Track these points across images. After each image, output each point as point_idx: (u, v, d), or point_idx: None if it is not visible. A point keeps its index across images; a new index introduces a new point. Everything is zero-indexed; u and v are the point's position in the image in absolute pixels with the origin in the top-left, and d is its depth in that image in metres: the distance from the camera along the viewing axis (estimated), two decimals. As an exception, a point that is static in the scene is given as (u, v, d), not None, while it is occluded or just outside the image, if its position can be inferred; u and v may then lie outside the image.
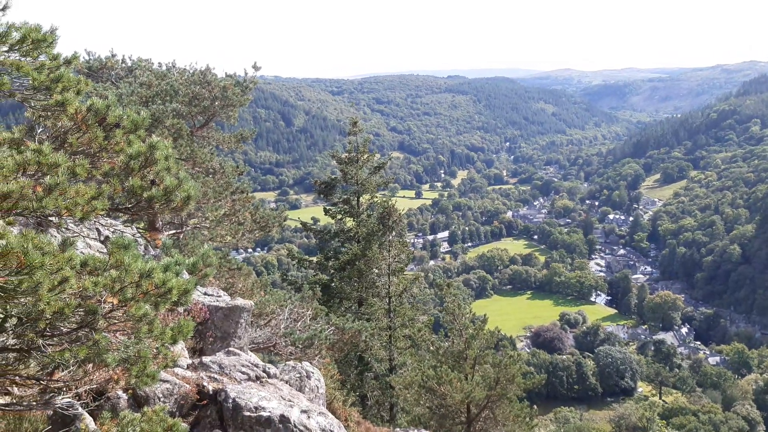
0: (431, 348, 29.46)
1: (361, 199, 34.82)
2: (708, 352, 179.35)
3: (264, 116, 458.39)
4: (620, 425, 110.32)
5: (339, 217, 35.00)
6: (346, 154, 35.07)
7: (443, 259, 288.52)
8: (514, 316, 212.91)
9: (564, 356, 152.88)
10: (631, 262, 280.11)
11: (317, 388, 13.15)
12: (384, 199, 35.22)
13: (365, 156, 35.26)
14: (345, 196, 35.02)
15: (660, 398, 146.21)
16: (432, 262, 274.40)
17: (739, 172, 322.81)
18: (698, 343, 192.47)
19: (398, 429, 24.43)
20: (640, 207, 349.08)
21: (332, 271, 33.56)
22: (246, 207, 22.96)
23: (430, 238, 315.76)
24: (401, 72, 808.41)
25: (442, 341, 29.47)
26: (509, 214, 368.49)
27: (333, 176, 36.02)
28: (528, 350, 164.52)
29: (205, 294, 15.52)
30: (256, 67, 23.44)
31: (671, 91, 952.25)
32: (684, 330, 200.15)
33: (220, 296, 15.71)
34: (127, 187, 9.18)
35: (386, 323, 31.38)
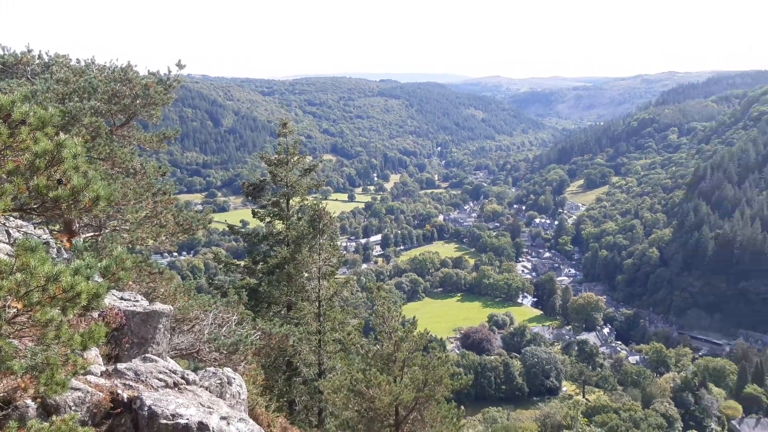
0: (361, 351, 29.36)
1: (291, 201, 34.39)
2: (628, 352, 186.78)
3: (191, 116, 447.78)
4: (546, 424, 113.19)
5: (268, 219, 34.46)
6: (276, 156, 34.52)
7: (376, 262, 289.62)
8: (444, 318, 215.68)
9: (492, 357, 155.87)
10: (556, 265, 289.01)
11: (239, 394, 12.84)
12: (315, 201, 34.89)
13: (296, 158, 34.85)
14: (274, 199, 34.50)
15: (583, 397, 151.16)
16: (365, 266, 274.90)
17: (657, 178, 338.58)
18: (619, 342, 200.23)
19: (326, 433, 24.24)
20: (565, 211, 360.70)
21: (261, 275, 33.00)
22: (168, 209, 22.20)
23: (363, 241, 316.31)
24: (334, 74, 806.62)
25: (372, 344, 29.40)
26: (441, 217, 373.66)
27: (262, 178, 35.44)
28: (458, 352, 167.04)
29: (122, 299, 14.93)
30: (180, 65, 22.77)
31: (595, 100, 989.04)
32: (606, 330, 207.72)
33: (137, 301, 15.14)
34: (32, 186, 8.69)
35: (316, 327, 31.07)
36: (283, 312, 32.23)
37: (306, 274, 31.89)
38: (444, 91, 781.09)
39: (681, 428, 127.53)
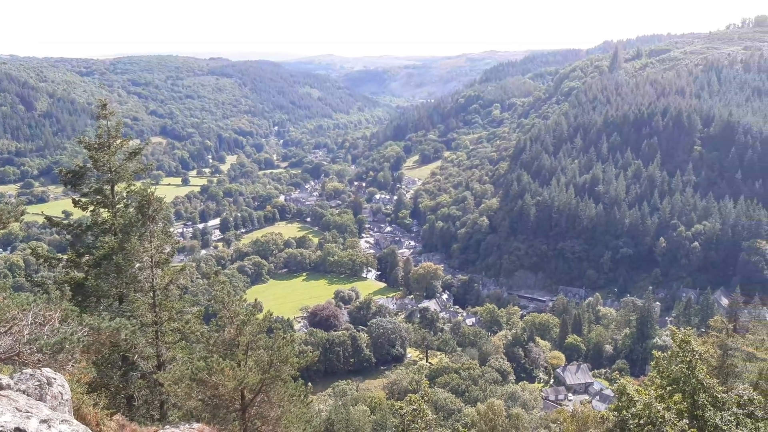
0: (202, 339, 28.49)
1: (116, 188, 32.13)
2: (465, 315, 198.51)
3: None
4: (393, 390, 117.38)
5: (92, 208, 31.97)
6: (97, 140, 32.00)
7: (216, 247, 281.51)
8: (291, 299, 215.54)
9: (340, 332, 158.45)
10: (397, 238, 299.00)
11: (61, 395, 11.96)
12: (143, 187, 32.88)
13: (118, 141, 32.47)
14: (97, 186, 32.01)
15: (427, 361, 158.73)
16: (204, 251, 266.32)
17: (484, 152, 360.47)
18: (457, 307, 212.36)
19: (168, 426, 23.36)
20: (403, 186, 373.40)
21: (87, 268, 30.70)
22: (-29, 202, 19.92)
23: (201, 226, 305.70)
24: (159, 53, 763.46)
25: (213, 331, 28.63)
26: (282, 198, 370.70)
27: (82, 164, 32.75)
28: (305, 330, 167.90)
29: None
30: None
31: (425, 78, 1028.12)
32: (445, 296, 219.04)
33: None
34: None
35: (151, 318, 29.55)
36: (114, 305, 30.33)
37: (138, 264, 30.14)
38: (278, 70, 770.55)
39: (514, 380, 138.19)
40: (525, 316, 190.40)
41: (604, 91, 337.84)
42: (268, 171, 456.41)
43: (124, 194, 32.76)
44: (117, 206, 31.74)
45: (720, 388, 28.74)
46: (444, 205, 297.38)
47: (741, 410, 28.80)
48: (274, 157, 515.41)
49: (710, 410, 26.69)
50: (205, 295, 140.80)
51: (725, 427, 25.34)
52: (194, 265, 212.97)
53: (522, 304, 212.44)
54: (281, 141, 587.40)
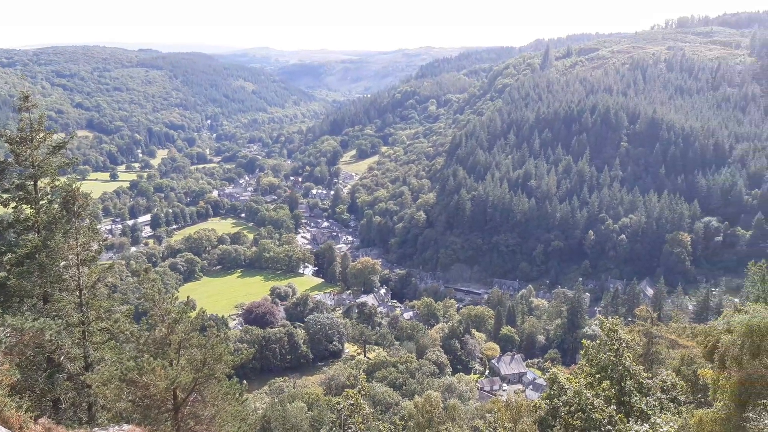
0: (132, 338, 27.68)
1: (39, 183, 30.78)
2: (403, 309, 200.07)
3: None
4: (330, 386, 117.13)
5: (14, 205, 30.54)
6: (18, 133, 30.58)
7: (146, 244, 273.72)
8: (225, 296, 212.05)
9: (276, 329, 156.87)
10: (335, 233, 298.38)
11: (-22, 400, 11.34)
12: (68, 182, 31.62)
13: (42, 135, 31.08)
14: (19, 181, 30.61)
15: (365, 356, 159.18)
16: (134, 249, 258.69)
17: (421, 147, 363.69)
18: (395, 301, 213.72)
19: (97, 428, 22.65)
20: (340, 181, 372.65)
21: (9, 267, 29.31)
22: None
23: (130, 222, 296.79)
24: (85, 43, 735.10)
25: (144, 330, 27.87)
26: (215, 193, 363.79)
27: (3, 159, 31.22)
28: (240, 327, 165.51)
29: None
30: None
31: (361, 72, 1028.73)
32: (383, 291, 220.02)
33: None
34: None
35: (78, 318, 28.48)
36: (38, 305, 29.09)
37: (63, 262, 28.99)
38: (211, 62, 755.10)
39: (450, 372, 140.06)
40: (461, 308, 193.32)
41: (536, 89, 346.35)
42: (201, 166, 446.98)
43: (48, 190, 31.47)
44: (40, 202, 30.45)
45: (645, 374, 29.93)
46: (381, 200, 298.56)
47: (665, 395, 30.08)
48: (207, 151, 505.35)
49: (636, 396, 27.76)
50: (135, 294, 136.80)
51: (650, 412, 26.40)
52: (123, 262, 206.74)
53: (458, 297, 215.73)
54: (214, 135, 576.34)
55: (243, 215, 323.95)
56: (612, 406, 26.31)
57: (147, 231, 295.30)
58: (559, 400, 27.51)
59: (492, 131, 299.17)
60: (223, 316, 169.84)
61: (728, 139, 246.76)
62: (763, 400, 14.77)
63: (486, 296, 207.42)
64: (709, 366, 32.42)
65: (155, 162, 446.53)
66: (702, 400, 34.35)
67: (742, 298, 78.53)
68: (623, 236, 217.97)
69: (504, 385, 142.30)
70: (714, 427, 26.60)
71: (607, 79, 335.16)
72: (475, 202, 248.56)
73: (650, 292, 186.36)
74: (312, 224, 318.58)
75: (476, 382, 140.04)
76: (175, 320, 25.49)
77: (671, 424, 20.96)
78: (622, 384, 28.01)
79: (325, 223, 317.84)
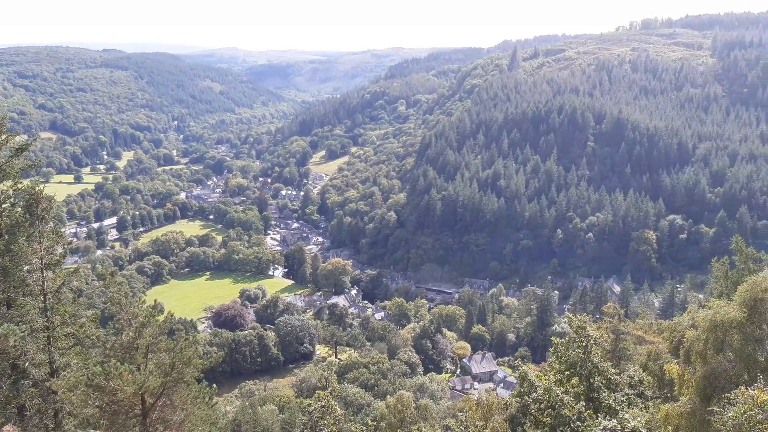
0: (98, 343, 27.20)
1: (1, 186, 30.10)
2: (374, 309, 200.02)
3: None
4: (302, 388, 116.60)
5: (-27, 209, 29.79)
6: (-22, 135, 29.84)
7: (112, 247, 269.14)
8: (194, 299, 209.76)
9: (246, 331, 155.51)
10: (305, 234, 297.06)
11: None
12: (31, 185, 30.96)
13: (3, 137, 30.41)
14: (-20, 184, 29.90)
15: (336, 357, 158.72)
16: (100, 252, 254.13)
17: (391, 147, 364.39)
18: (366, 302, 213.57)
19: (63, 436, 22.22)
20: (310, 182, 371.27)
21: (-31, 272, 28.57)
22: None
23: (96, 225, 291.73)
24: (48, 44, 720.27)
25: (111, 334, 27.42)
26: (183, 195, 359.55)
27: (-38, 162, 30.43)
28: (210, 331, 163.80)
29: None
30: None
31: (330, 73, 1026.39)
32: (354, 292, 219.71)
33: None
34: None
35: (42, 323, 27.89)
36: (2, 310, 28.42)
37: (26, 267, 28.39)
38: (177, 63, 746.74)
39: (422, 372, 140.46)
40: (432, 308, 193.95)
41: (504, 89, 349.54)
42: (168, 167, 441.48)
43: (11, 193, 30.77)
44: (2, 206, 29.74)
45: (613, 370, 30.40)
46: (352, 201, 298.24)
47: (632, 390, 30.56)
48: (174, 152, 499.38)
49: (605, 392, 28.17)
50: (101, 298, 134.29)
51: (618, 407, 26.81)
52: (89, 266, 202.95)
53: (429, 296, 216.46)
54: (181, 136, 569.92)
55: (211, 217, 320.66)
56: (581, 403, 26.66)
57: (113, 234, 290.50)
58: (529, 397, 27.79)
59: (461, 131, 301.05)
60: (191, 320, 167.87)
61: (691, 139, 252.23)
62: (726, 394, 15.12)
63: (457, 295, 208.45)
64: (675, 361, 33.05)
65: (121, 164, 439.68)
66: (668, 394, 34.98)
67: (707, 294, 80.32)
68: (591, 235, 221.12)
69: (475, 383, 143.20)
70: (680, 422, 27.14)
71: (573, 80, 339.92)
72: (445, 202, 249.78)
73: (617, 289, 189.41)
74: (282, 225, 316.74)
75: (448, 381, 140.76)
76: (142, 324, 25.12)
77: (638, 419, 21.31)
78: (591, 380, 28.41)
79: (295, 225, 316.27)
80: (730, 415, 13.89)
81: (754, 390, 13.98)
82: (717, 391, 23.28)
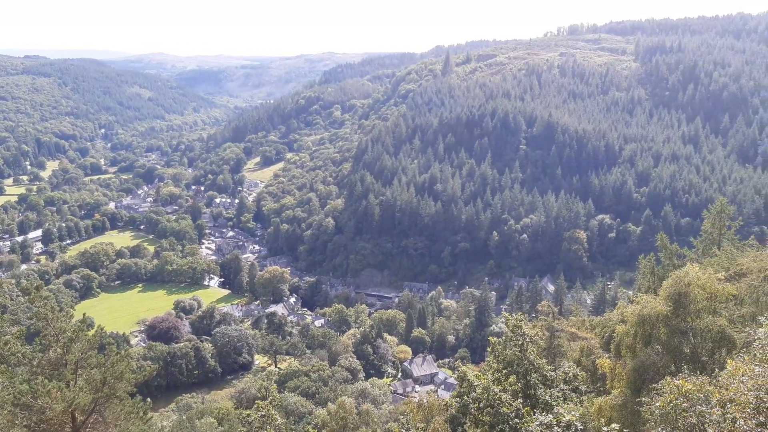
0: (24, 360, 25.96)
1: None
2: (314, 317, 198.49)
3: None
4: (241, 399, 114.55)
5: None
6: None
7: (38, 261, 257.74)
8: (126, 312, 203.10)
9: (182, 344, 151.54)
10: (241, 243, 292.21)
11: None
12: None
13: None
14: None
15: (276, 366, 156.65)
16: (24, 266, 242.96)
17: (327, 153, 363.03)
18: (305, 309, 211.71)
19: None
20: (245, 189, 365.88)
21: None
22: None
23: (20, 239, 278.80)
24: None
25: (37, 351, 26.21)
26: (112, 205, 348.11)
27: None
28: (144, 344, 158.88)
29: None
30: None
31: (263, 78, 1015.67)
32: (293, 299, 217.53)
33: None
34: None
35: (-38, 342, 26.48)
36: None
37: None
38: (103, 69, 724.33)
39: (364, 377, 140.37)
40: (373, 313, 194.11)
41: (438, 94, 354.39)
42: (96, 177, 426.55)
43: None
44: None
45: (549, 367, 31.14)
46: (289, 207, 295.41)
47: (567, 386, 31.39)
48: (102, 161, 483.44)
49: (541, 388, 28.82)
50: (27, 314, 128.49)
51: (554, 403, 27.48)
52: (13, 281, 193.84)
53: (370, 302, 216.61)
54: (109, 144, 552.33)
55: (143, 227, 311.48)
56: (519, 400, 27.18)
57: (38, 247, 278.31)
58: (468, 397, 28.13)
59: (397, 136, 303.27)
60: (124, 334, 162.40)
61: (618, 141, 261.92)
62: (654, 385, 15.74)
63: (397, 300, 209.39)
64: (607, 356, 34.17)
65: (45, 174, 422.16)
66: (601, 388, 36.10)
67: (635, 290, 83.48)
68: (525, 236, 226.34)
69: (417, 386, 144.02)
70: (612, 413, 28.08)
71: (505, 85, 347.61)
72: (383, 206, 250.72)
73: (551, 288, 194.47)
74: (216, 234, 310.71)
75: (389, 385, 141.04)
76: (70, 339, 24.20)
77: (573, 413, 21.91)
78: (528, 378, 29.01)
79: (231, 233, 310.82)
80: (657, 405, 14.45)
81: (679, 380, 14.58)
82: (646, 382, 24.21)
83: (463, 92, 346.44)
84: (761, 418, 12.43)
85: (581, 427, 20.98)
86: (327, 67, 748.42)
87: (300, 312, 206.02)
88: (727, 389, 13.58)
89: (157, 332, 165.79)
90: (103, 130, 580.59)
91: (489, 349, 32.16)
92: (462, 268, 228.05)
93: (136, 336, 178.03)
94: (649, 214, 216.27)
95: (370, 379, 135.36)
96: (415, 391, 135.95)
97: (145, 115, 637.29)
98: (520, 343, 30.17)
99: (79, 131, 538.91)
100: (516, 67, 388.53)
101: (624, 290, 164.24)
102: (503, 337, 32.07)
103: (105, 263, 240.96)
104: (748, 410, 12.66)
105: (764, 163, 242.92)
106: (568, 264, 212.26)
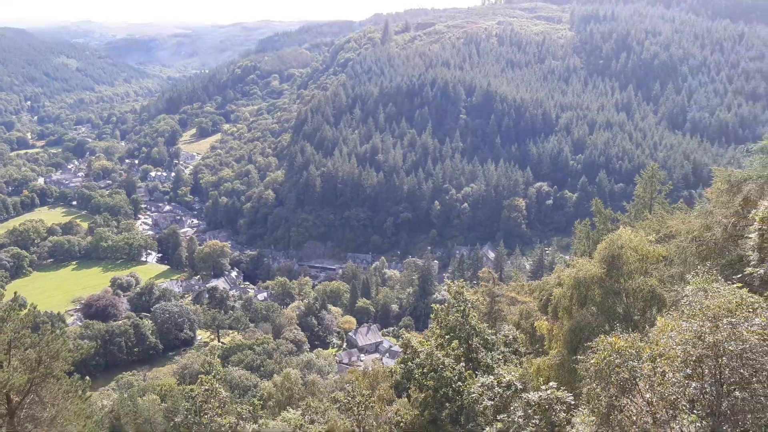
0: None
1: None
2: (256, 290, 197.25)
3: None
4: (184, 375, 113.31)
5: None
6: None
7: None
8: (60, 291, 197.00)
9: (120, 321, 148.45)
10: (178, 217, 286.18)
11: None
12: None
13: None
14: None
15: (219, 341, 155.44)
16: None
17: (266, 124, 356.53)
18: (247, 283, 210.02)
19: None
20: (181, 162, 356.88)
21: None
22: None
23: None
24: None
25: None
26: (41, 180, 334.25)
27: None
28: (80, 323, 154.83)
29: None
30: None
31: (196, 47, 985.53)
32: (234, 274, 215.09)
33: None
34: None
35: None
36: None
37: None
38: (26, 38, 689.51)
39: (309, 348, 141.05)
40: (317, 285, 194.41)
41: (378, 63, 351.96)
42: (23, 151, 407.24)
43: None
44: None
45: (490, 331, 31.93)
46: (227, 180, 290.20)
47: (507, 348, 32.27)
48: (29, 135, 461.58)
49: (483, 352, 29.56)
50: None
51: (495, 365, 28.25)
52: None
53: (313, 274, 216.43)
54: (36, 117, 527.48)
55: (74, 203, 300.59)
56: (461, 364, 27.82)
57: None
58: (412, 363, 28.63)
59: (337, 106, 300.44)
60: (59, 313, 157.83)
61: (554, 109, 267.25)
62: (589, 344, 16.35)
63: (341, 271, 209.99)
64: (544, 318, 35.25)
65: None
66: (540, 349, 37.29)
67: (571, 255, 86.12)
68: (466, 205, 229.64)
69: (362, 355, 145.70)
70: (550, 373, 29.08)
71: (444, 54, 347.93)
72: (324, 178, 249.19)
73: (492, 255, 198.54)
74: (153, 209, 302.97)
75: (335, 356, 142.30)
76: (1, 319, 23.33)
77: (513, 373, 22.60)
78: (470, 342, 29.70)
79: (168, 207, 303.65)
80: (592, 362, 15.02)
81: (612, 338, 15.17)
82: (582, 342, 25.10)
83: (402, 61, 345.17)
84: (688, 371, 13.08)
85: (521, 387, 21.69)
86: (264, 36, 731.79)
87: (242, 286, 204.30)
88: (657, 345, 14.22)
89: (94, 310, 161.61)
90: (29, 103, 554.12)
91: (432, 315, 32.73)
92: (405, 238, 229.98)
93: (72, 315, 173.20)
94: (585, 181, 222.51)
95: (315, 351, 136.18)
96: (360, 360, 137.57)
97: (74, 87, 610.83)
98: (462, 309, 30.78)
99: (3, 104, 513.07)
100: (455, 36, 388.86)
101: (561, 255, 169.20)
102: (446, 304, 32.64)
103: (36, 241, 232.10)
104: (677, 363, 13.31)
105: (693, 130, 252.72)
106: (508, 231, 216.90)
